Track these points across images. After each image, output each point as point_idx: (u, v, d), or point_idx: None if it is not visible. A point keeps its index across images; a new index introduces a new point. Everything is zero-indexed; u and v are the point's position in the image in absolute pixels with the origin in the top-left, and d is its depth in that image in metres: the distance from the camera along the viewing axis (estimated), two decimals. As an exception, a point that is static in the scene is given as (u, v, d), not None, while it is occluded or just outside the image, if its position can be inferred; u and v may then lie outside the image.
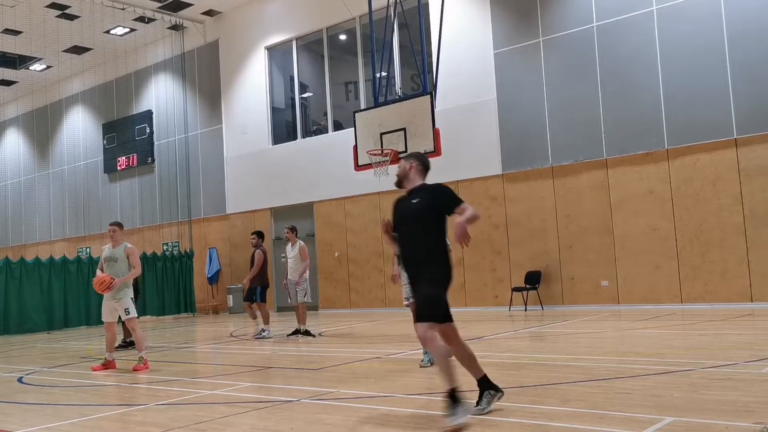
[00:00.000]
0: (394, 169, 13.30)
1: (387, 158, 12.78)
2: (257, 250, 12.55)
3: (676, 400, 5.14)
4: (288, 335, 12.12)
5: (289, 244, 12.35)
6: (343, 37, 19.81)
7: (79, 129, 26.85)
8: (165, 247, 22.59)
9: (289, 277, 12.21)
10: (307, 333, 11.93)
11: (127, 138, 24.61)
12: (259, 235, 12.90)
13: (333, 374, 7.49)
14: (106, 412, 6.24)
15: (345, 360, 8.52)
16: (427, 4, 16.25)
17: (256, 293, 12.44)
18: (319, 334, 12.24)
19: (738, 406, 4.80)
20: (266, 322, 12.41)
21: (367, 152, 13.12)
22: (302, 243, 12.28)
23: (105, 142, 25.52)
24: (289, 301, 12.36)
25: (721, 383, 5.71)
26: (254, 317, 12.76)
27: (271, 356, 9.90)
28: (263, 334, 12.22)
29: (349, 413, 5.45)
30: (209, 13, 21.82)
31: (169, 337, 14.08)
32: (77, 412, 6.22)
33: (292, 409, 5.66)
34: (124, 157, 24.63)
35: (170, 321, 19.53)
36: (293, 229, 12.50)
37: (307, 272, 12.15)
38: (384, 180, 14.32)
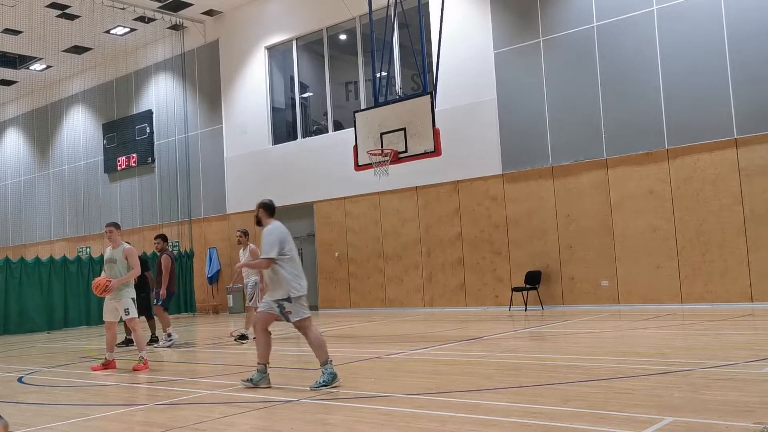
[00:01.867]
0: (394, 169, 13.48)
1: (387, 158, 12.78)
2: (164, 255, 12.04)
3: (676, 400, 5.14)
4: (235, 339, 11.88)
5: (242, 248, 12.05)
6: (343, 37, 19.81)
7: (79, 129, 26.83)
8: (165, 247, 22.56)
9: (245, 280, 11.95)
10: (242, 337, 11.78)
11: (127, 138, 24.60)
12: (164, 238, 12.45)
13: (333, 374, 7.48)
14: (106, 412, 6.24)
15: (345, 360, 8.51)
16: (427, 4, 16.25)
17: (160, 298, 11.92)
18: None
19: (738, 406, 4.80)
20: (165, 328, 11.85)
21: (367, 152, 13.12)
22: (253, 246, 11.87)
23: (105, 142, 25.52)
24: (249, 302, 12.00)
25: (721, 383, 5.71)
26: (169, 324, 12.03)
27: (270, 356, 9.87)
28: (170, 340, 11.69)
29: (349, 413, 5.46)
30: (209, 13, 21.82)
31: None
32: (78, 412, 6.22)
33: (292, 409, 5.66)
34: (124, 157, 24.62)
35: (171, 321, 19.47)
36: (245, 233, 12.18)
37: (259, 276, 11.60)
38: (384, 180, 14.37)
